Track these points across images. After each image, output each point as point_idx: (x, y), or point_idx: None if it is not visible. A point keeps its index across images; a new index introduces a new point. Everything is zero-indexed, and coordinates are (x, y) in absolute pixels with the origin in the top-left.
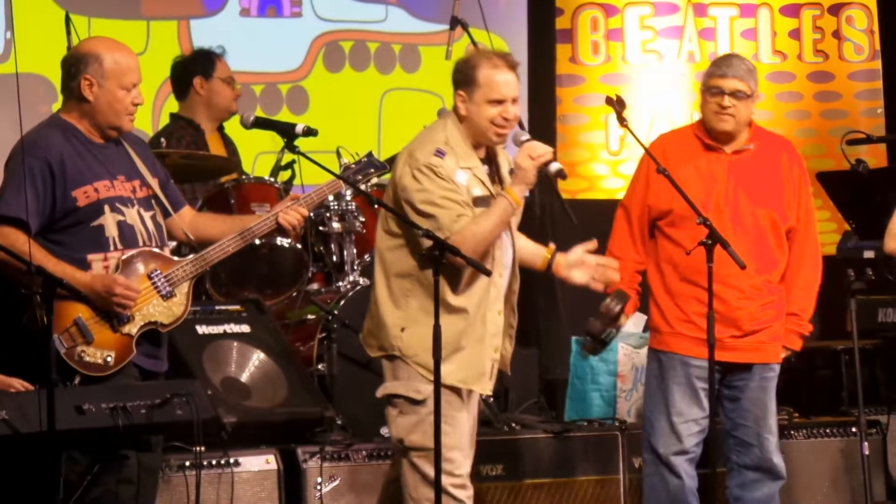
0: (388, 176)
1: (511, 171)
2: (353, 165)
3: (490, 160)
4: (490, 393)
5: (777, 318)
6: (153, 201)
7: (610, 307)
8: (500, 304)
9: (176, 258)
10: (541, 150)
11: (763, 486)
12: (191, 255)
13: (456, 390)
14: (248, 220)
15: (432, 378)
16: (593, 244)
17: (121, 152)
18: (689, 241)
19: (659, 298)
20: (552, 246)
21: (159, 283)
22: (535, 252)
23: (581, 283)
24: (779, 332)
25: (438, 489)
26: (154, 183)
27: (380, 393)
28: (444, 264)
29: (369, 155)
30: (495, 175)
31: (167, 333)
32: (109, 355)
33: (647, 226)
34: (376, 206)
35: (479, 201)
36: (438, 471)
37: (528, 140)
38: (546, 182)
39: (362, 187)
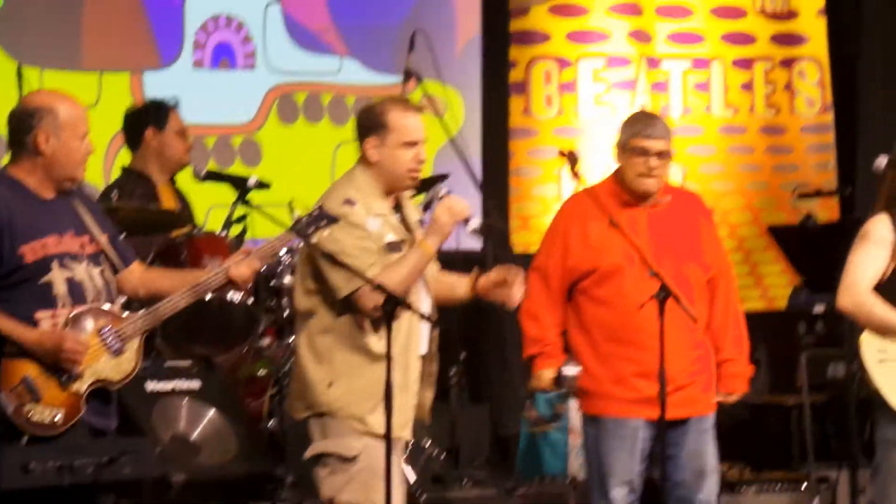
0: None
1: (421, 221)
2: (305, 218)
3: (398, 208)
4: (410, 439)
5: (706, 370)
6: (101, 257)
7: (571, 381)
8: (420, 350)
9: (126, 314)
10: (459, 206)
11: None
12: (141, 311)
13: (375, 439)
14: (198, 274)
15: (364, 429)
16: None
17: (69, 208)
18: (617, 297)
19: (587, 361)
20: (474, 273)
21: (109, 340)
22: (459, 281)
23: (498, 301)
24: (710, 383)
25: None
26: (103, 238)
27: (308, 453)
28: (357, 313)
29: (321, 208)
30: (404, 223)
31: (117, 390)
32: (58, 413)
33: (566, 289)
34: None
35: (392, 246)
36: None
37: (447, 194)
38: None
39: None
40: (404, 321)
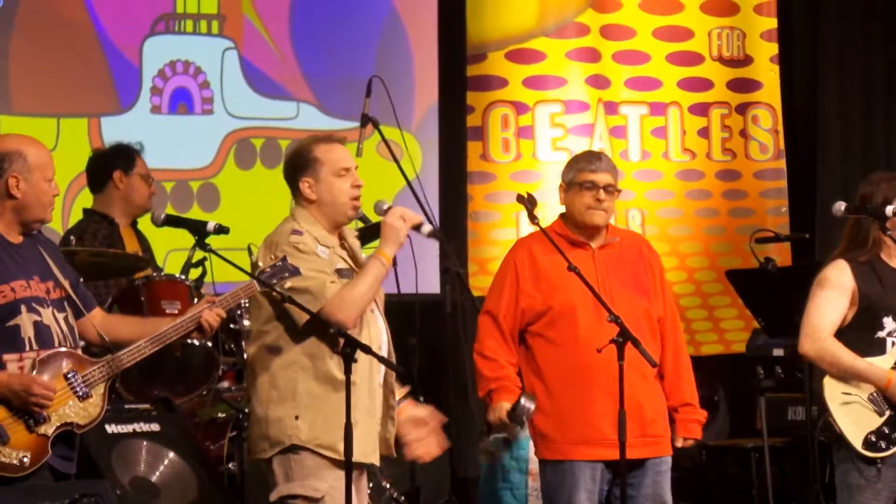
0: None
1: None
2: (268, 269)
3: (343, 245)
4: (378, 464)
5: (662, 412)
6: (65, 303)
7: (527, 412)
8: (380, 377)
9: (92, 359)
10: (412, 213)
11: None
12: (107, 357)
13: (356, 474)
14: (160, 322)
15: (336, 456)
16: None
17: (35, 252)
18: (570, 338)
19: (542, 403)
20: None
21: (76, 384)
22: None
23: (408, 440)
24: (665, 424)
25: None
26: (66, 284)
27: (273, 496)
28: (355, 359)
29: (284, 259)
30: (352, 258)
31: (79, 434)
32: (25, 456)
33: (518, 331)
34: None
35: (343, 273)
36: None
37: (391, 206)
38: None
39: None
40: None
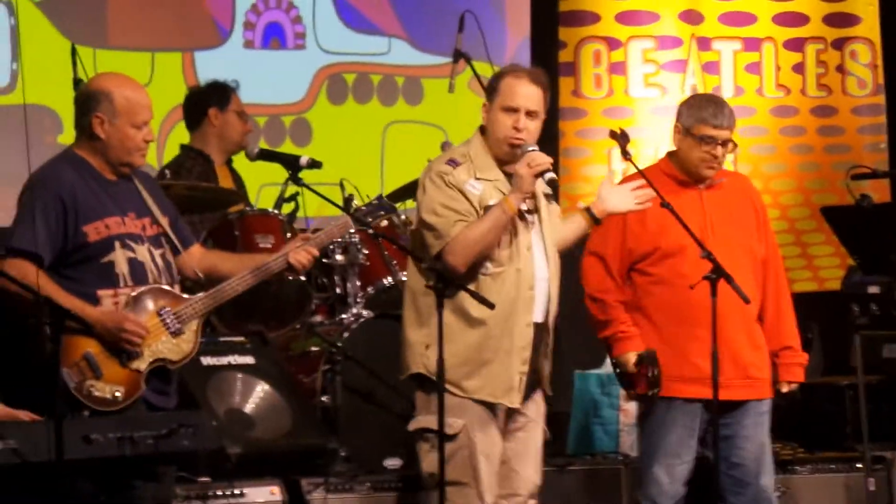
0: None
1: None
2: (364, 207)
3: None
4: (519, 406)
5: (765, 353)
6: (163, 239)
7: (650, 373)
8: (531, 318)
9: (186, 296)
10: (539, 159)
11: None
12: (200, 294)
13: (487, 410)
14: (257, 258)
15: (459, 393)
16: (610, 176)
17: (131, 189)
18: (675, 277)
19: (647, 342)
20: (579, 204)
21: (168, 321)
22: (573, 220)
23: (628, 208)
24: (767, 366)
25: None
26: (164, 221)
27: (412, 426)
28: (448, 294)
29: (379, 197)
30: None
31: (174, 369)
32: (118, 390)
33: (626, 270)
34: (380, 240)
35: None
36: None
37: (531, 150)
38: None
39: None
40: (510, 286)
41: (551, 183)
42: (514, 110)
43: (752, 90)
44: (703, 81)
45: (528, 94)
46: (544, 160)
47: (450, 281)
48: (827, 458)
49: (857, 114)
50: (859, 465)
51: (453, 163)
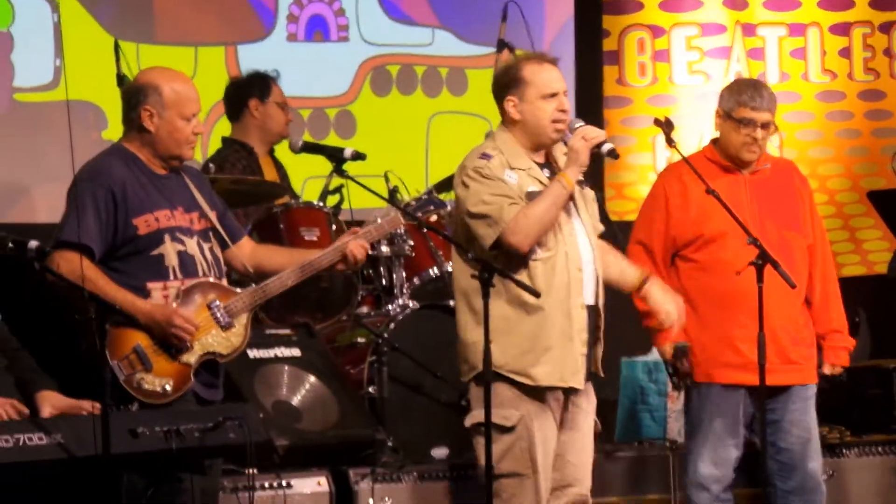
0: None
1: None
2: (414, 202)
3: (549, 164)
4: (579, 387)
5: (810, 338)
6: (211, 233)
7: (682, 366)
8: (582, 300)
9: (235, 289)
10: (594, 132)
11: None
12: (251, 287)
13: (540, 400)
14: (308, 253)
15: (531, 383)
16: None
17: (180, 183)
18: (720, 263)
19: (690, 327)
20: (647, 270)
21: (218, 314)
22: (625, 271)
23: (661, 307)
24: (812, 351)
25: None
26: (212, 215)
27: (468, 422)
28: (493, 284)
29: (429, 192)
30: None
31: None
32: (168, 383)
33: (670, 257)
34: (426, 231)
35: (533, 196)
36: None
37: (582, 125)
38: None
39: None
40: (561, 270)
41: (611, 153)
42: (554, 95)
43: (797, 75)
44: (747, 68)
45: (558, 76)
46: (599, 132)
47: (495, 270)
48: (874, 441)
49: None
50: None
51: (486, 156)
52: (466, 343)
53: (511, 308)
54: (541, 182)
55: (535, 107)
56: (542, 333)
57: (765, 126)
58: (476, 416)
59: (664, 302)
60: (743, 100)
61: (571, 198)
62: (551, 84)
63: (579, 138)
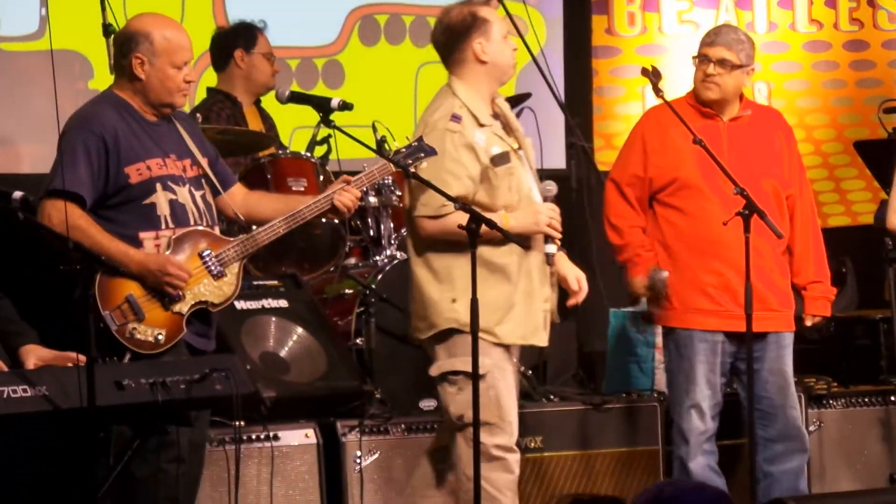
0: None
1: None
2: (404, 149)
3: (497, 116)
4: (546, 344)
5: (787, 287)
6: (203, 180)
7: (659, 288)
8: (542, 256)
9: (227, 238)
10: (556, 220)
11: (792, 459)
12: (241, 236)
13: (505, 351)
14: (299, 200)
15: (495, 340)
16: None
17: (172, 130)
18: (696, 209)
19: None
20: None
21: (210, 263)
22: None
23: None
24: (790, 300)
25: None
26: (204, 162)
27: (434, 371)
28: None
29: (419, 139)
30: (507, 127)
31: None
32: (160, 333)
33: (645, 198)
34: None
35: (498, 159)
36: (478, 442)
37: (550, 196)
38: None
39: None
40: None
41: (546, 259)
42: (507, 33)
43: (784, 25)
44: (736, 17)
45: (504, 18)
46: (557, 229)
47: (484, 220)
48: (861, 391)
49: (889, 47)
50: (894, 399)
51: (457, 118)
52: (425, 302)
53: (478, 267)
54: (502, 140)
55: (499, 48)
56: (506, 292)
57: (720, 63)
58: (442, 365)
59: (570, 269)
60: (704, 40)
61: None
62: (504, 24)
63: (544, 221)
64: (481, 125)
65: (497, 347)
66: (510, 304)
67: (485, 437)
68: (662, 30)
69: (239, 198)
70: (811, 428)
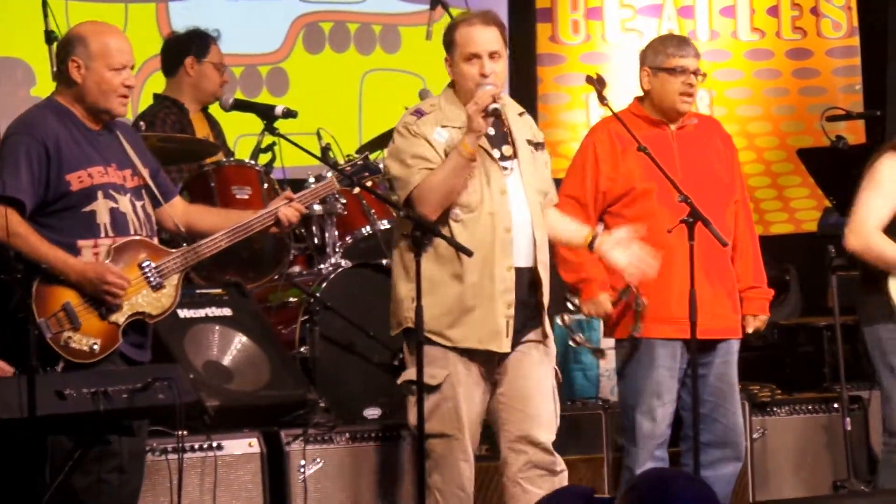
0: None
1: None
2: (349, 167)
3: (499, 123)
4: (508, 350)
5: (735, 293)
6: (143, 191)
7: (636, 305)
8: (511, 261)
9: (167, 249)
10: (482, 96)
11: (727, 465)
12: (183, 247)
13: (467, 360)
14: (241, 215)
15: (448, 344)
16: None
17: (114, 140)
18: (650, 219)
19: (619, 283)
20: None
21: (150, 274)
22: (576, 230)
23: (621, 265)
24: (737, 306)
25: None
26: (145, 173)
27: (400, 380)
28: (426, 244)
29: (365, 157)
30: (508, 137)
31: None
32: (95, 343)
33: (600, 213)
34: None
35: None
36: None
37: (484, 89)
38: None
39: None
40: (485, 230)
41: (494, 113)
42: (477, 56)
43: (727, 34)
44: (678, 26)
45: (485, 37)
46: (486, 95)
47: (428, 228)
48: (804, 398)
49: (832, 56)
50: (837, 406)
51: (419, 113)
52: (395, 298)
53: (436, 268)
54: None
55: (460, 69)
56: (463, 294)
57: (696, 74)
58: (406, 374)
59: (618, 259)
60: (671, 51)
61: (497, 161)
62: (474, 45)
63: (472, 104)
64: (445, 125)
65: (453, 352)
66: (466, 308)
67: (440, 449)
68: (606, 38)
69: (180, 210)
70: (755, 435)
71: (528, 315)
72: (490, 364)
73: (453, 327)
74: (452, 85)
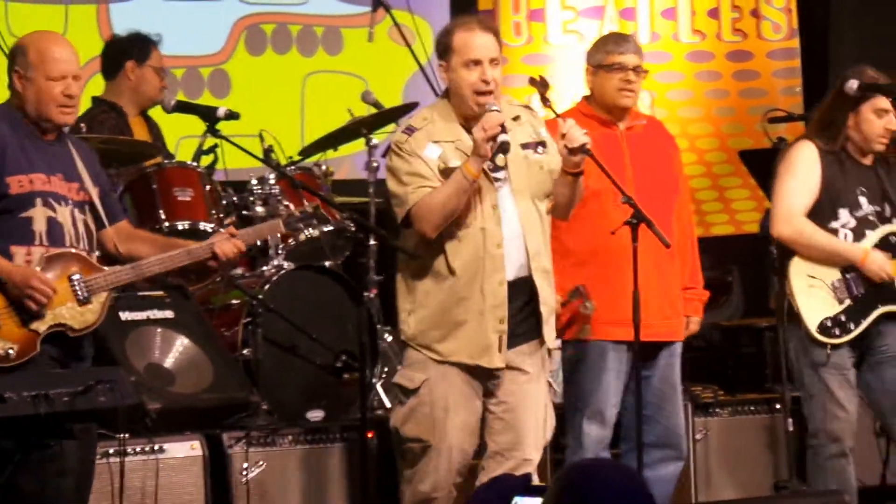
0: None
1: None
2: (298, 214)
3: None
4: (501, 365)
5: (679, 294)
6: (87, 207)
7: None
8: (502, 276)
9: (100, 266)
10: (491, 123)
11: (668, 465)
12: (116, 267)
13: (465, 374)
14: (180, 245)
15: (436, 358)
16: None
17: (65, 153)
18: (594, 220)
19: (574, 282)
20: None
21: (78, 288)
22: (559, 181)
23: (580, 145)
24: (679, 308)
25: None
26: (94, 191)
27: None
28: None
29: (316, 208)
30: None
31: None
32: (12, 348)
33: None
34: (301, 191)
35: (447, 173)
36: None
37: (491, 111)
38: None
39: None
40: (476, 246)
41: (502, 147)
42: (478, 63)
43: (668, 36)
44: (619, 27)
45: (485, 43)
46: (495, 124)
47: (411, 256)
48: (747, 399)
49: (772, 58)
50: (779, 407)
51: (409, 130)
52: (397, 310)
53: (431, 281)
54: (466, 155)
55: (459, 75)
56: (454, 309)
57: (636, 70)
58: (395, 377)
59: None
60: (609, 48)
61: (489, 176)
62: (475, 51)
63: (480, 128)
64: (436, 141)
65: (441, 365)
66: (457, 322)
67: (419, 455)
68: (548, 40)
69: (124, 234)
70: (697, 436)
71: (524, 325)
72: (482, 377)
73: (443, 341)
74: (446, 94)
